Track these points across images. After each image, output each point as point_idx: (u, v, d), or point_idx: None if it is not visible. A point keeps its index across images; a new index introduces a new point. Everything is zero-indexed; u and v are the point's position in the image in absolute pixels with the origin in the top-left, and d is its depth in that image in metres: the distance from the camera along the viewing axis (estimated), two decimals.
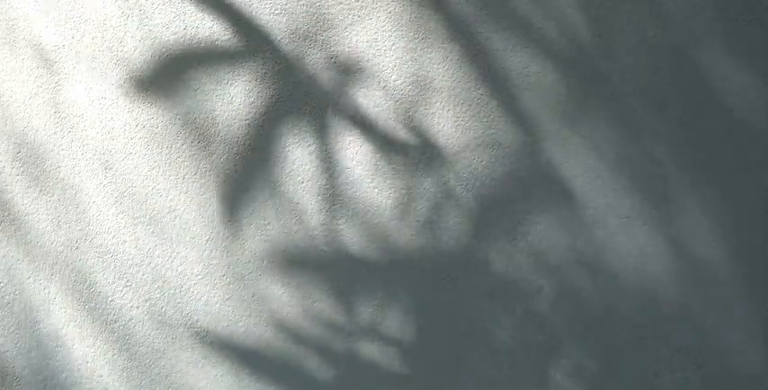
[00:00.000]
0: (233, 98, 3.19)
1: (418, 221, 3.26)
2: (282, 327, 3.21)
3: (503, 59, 3.30)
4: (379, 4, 3.25)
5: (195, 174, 3.17)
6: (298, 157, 3.21)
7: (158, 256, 3.15)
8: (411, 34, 3.26)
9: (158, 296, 3.15)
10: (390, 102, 3.25)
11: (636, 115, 3.36)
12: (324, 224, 3.22)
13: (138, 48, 3.14)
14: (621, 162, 3.35)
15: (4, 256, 3.09)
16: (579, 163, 3.33)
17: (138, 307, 3.14)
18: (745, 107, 3.41)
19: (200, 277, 3.17)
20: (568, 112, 3.33)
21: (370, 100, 3.24)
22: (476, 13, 3.29)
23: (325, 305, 3.22)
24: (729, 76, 3.40)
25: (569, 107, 3.33)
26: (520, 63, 3.31)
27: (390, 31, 3.26)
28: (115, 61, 3.14)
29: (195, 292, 3.17)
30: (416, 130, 3.27)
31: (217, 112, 3.18)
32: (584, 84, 3.33)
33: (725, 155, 3.40)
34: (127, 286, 3.14)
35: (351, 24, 3.24)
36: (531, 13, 3.31)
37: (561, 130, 3.32)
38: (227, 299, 3.17)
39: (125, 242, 3.13)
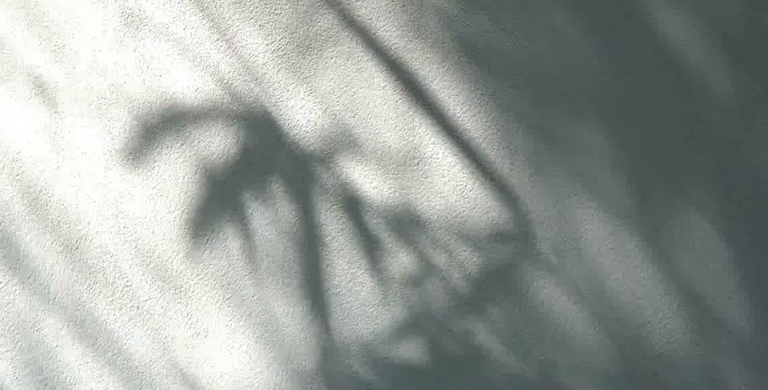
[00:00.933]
0: (233, 98, 3.19)
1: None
2: (282, 327, 3.21)
3: (501, 59, 3.30)
4: (380, 3, 3.25)
5: (195, 174, 3.17)
6: (300, 155, 3.22)
7: (158, 256, 3.15)
8: (411, 34, 3.26)
9: (158, 295, 3.15)
10: (390, 103, 3.25)
11: (635, 115, 3.36)
12: (323, 224, 3.22)
13: (137, 49, 3.14)
14: (622, 162, 3.35)
15: (5, 256, 3.09)
16: (579, 163, 3.33)
17: (137, 307, 3.14)
18: (746, 107, 3.41)
19: (200, 277, 3.17)
20: (568, 113, 3.33)
21: (370, 93, 3.24)
22: (474, 12, 3.29)
23: (324, 306, 3.22)
24: (730, 77, 3.40)
25: (568, 107, 3.33)
26: (519, 63, 3.31)
27: (390, 30, 3.26)
28: (115, 61, 3.14)
29: (195, 292, 3.17)
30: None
31: (217, 112, 3.18)
32: (584, 84, 3.34)
33: (726, 156, 3.40)
34: (127, 286, 3.14)
35: (350, 24, 3.25)
36: (531, 13, 3.31)
37: (560, 130, 3.33)
38: (228, 299, 3.18)
39: (125, 242, 3.13)
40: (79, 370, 3.12)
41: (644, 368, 3.35)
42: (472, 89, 3.29)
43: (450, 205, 3.27)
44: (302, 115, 3.21)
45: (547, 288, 3.31)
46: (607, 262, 3.34)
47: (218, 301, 3.18)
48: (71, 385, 3.11)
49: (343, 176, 3.23)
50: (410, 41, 3.26)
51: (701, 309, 3.37)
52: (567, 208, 3.32)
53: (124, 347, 3.14)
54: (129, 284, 3.14)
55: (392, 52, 3.25)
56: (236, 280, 3.18)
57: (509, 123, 3.30)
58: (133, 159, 3.15)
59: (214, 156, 3.17)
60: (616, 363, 3.34)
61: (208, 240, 3.17)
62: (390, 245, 3.24)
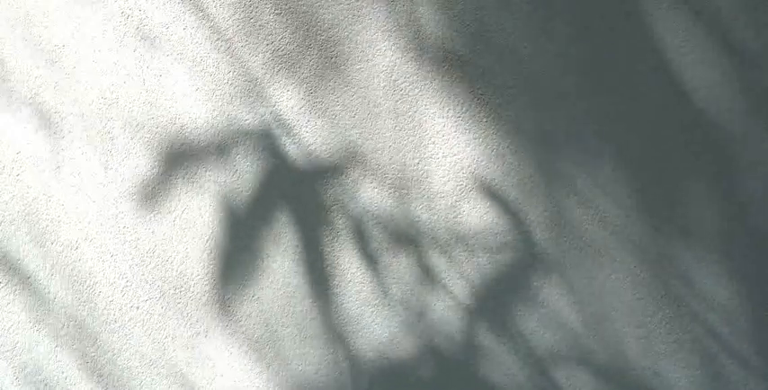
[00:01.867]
0: (233, 98, 3.19)
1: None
2: (283, 327, 3.21)
3: (503, 59, 3.30)
4: (380, 3, 3.25)
5: (195, 175, 3.17)
6: (299, 155, 3.22)
7: (158, 256, 3.15)
8: (411, 34, 3.26)
9: (158, 296, 3.15)
10: (390, 103, 3.25)
11: (636, 115, 3.36)
12: (323, 224, 3.22)
13: (137, 49, 3.15)
14: (622, 162, 3.35)
15: (5, 256, 3.09)
16: (579, 163, 3.33)
17: (137, 307, 3.14)
18: (747, 108, 3.41)
19: (199, 277, 3.17)
20: (567, 113, 3.33)
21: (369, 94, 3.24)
22: (474, 13, 3.29)
23: (325, 306, 3.22)
24: (731, 77, 3.40)
25: (568, 107, 3.33)
26: (519, 63, 3.31)
27: (390, 31, 3.26)
28: (115, 61, 3.14)
29: (195, 292, 3.17)
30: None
31: (218, 112, 3.18)
32: (584, 84, 3.33)
33: (726, 155, 3.40)
34: (127, 286, 3.14)
35: (350, 24, 3.25)
36: (532, 13, 3.31)
37: (560, 130, 3.33)
38: (227, 299, 3.18)
39: (125, 242, 3.13)
40: (79, 370, 3.12)
41: (644, 368, 3.35)
42: (472, 89, 3.28)
43: (450, 205, 3.27)
44: (302, 115, 3.21)
45: (547, 288, 3.30)
46: (607, 262, 3.34)
47: (218, 301, 3.18)
48: (71, 385, 3.12)
49: (343, 176, 3.23)
50: (410, 41, 3.26)
51: (701, 309, 3.37)
52: (567, 208, 3.32)
53: (124, 347, 3.14)
54: (129, 284, 3.14)
55: (392, 52, 3.25)
56: (237, 280, 3.18)
57: (509, 123, 3.30)
58: (133, 159, 3.15)
59: (213, 157, 3.17)
60: (616, 363, 3.34)
61: (208, 240, 3.17)
62: (390, 245, 3.24)
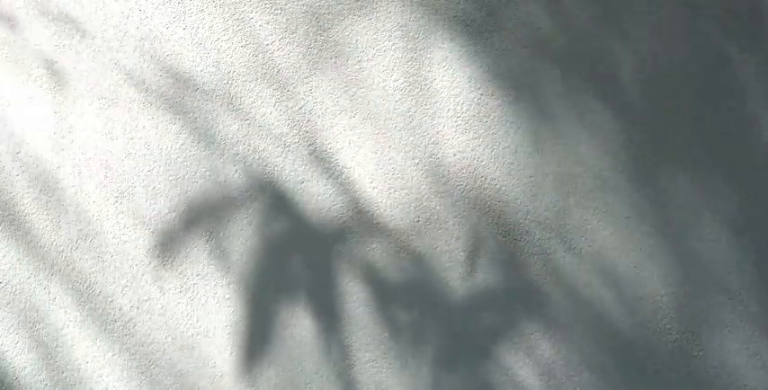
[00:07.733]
0: (233, 98, 3.19)
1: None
2: (283, 327, 3.21)
3: (502, 59, 3.31)
4: (380, 4, 3.25)
5: (195, 175, 3.17)
6: (299, 155, 3.22)
7: (158, 256, 3.15)
8: (411, 34, 3.27)
9: (158, 296, 3.15)
10: (390, 103, 3.25)
11: (636, 115, 3.36)
12: (323, 224, 3.22)
13: (137, 49, 3.15)
14: (622, 161, 3.35)
15: (5, 256, 3.09)
16: (579, 162, 3.33)
17: (137, 308, 3.14)
18: (747, 105, 3.41)
19: (199, 277, 3.17)
20: (568, 112, 3.33)
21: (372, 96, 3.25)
22: (475, 13, 3.29)
23: (324, 303, 3.22)
24: (731, 74, 3.40)
25: (568, 107, 3.33)
26: (520, 62, 3.31)
27: (390, 30, 3.26)
28: (115, 61, 3.14)
29: (195, 292, 3.17)
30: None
31: (217, 112, 3.19)
32: (585, 83, 3.34)
33: (727, 155, 3.40)
34: (127, 286, 3.14)
35: (351, 24, 3.25)
36: (532, 13, 3.32)
37: (560, 130, 3.33)
38: (227, 299, 3.18)
39: (125, 242, 3.13)
40: (79, 370, 3.12)
41: (644, 368, 3.35)
42: (472, 89, 3.29)
43: (451, 204, 3.27)
44: (302, 115, 3.21)
45: (547, 288, 3.31)
46: (607, 262, 3.34)
47: (218, 301, 3.18)
48: (71, 384, 3.11)
49: (344, 176, 3.23)
50: (410, 41, 3.26)
51: (701, 309, 3.38)
52: (567, 208, 3.33)
53: (124, 347, 3.13)
54: (128, 284, 3.14)
55: (392, 52, 3.26)
56: (236, 280, 3.18)
57: (509, 123, 3.30)
58: (133, 159, 3.15)
59: (213, 157, 3.18)
60: (616, 363, 3.34)
61: (208, 240, 3.17)
62: (391, 244, 3.24)
